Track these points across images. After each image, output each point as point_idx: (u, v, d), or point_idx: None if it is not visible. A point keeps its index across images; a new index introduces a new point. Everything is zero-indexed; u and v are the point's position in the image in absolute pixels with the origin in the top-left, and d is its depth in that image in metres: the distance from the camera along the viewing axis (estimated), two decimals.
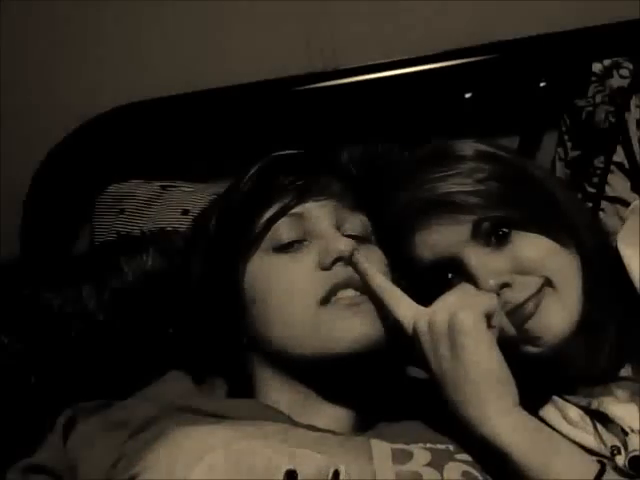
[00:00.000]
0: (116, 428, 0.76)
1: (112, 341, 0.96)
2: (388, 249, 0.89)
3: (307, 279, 0.82)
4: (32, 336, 0.96)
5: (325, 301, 0.81)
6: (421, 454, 0.73)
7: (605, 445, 0.83)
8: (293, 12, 1.27)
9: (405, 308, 0.80)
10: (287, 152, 0.93)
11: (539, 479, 0.73)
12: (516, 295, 0.82)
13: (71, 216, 1.27)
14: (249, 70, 1.26)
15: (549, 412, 0.88)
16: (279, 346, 0.82)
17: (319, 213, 0.86)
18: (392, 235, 0.89)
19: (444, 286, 0.84)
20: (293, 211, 0.85)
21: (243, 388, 0.86)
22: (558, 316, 0.83)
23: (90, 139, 1.25)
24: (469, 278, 0.84)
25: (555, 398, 0.89)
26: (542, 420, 0.86)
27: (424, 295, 0.82)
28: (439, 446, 0.76)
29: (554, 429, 0.84)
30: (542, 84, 1.22)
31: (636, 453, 0.81)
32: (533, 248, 0.84)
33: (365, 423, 0.84)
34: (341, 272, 0.82)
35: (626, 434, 0.83)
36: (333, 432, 0.78)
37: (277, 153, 0.92)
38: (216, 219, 0.90)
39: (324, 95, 1.26)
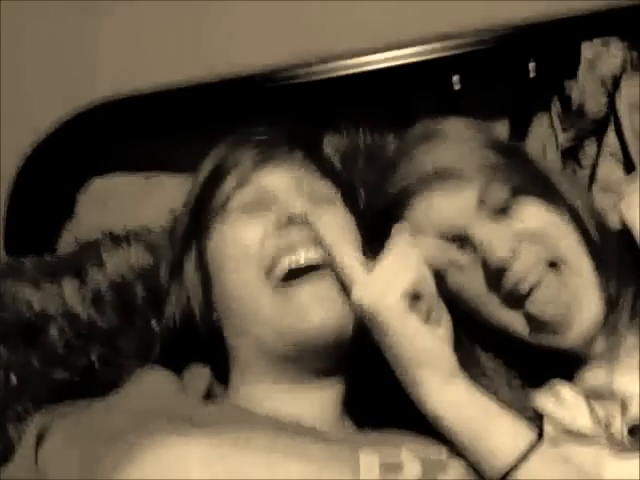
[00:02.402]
0: (88, 438, 0.73)
1: (94, 338, 0.94)
2: (382, 230, 0.86)
3: (258, 244, 0.80)
4: (13, 336, 0.93)
5: (271, 269, 0.79)
6: (411, 466, 0.72)
7: (599, 423, 0.81)
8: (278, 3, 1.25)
9: (356, 274, 0.77)
10: (255, 129, 0.91)
11: (472, 447, 0.74)
12: (523, 259, 0.81)
13: (55, 212, 1.25)
14: (235, 61, 1.24)
15: (543, 400, 0.87)
16: (241, 325, 0.81)
17: (279, 179, 0.84)
18: (387, 214, 0.87)
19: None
20: (253, 179, 0.84)
21: (226, 374, 0.84)
22: (586, 298, 0.82)
23: (73, 134, 1.23)
24: (477, 251, 0.83)
25: (552, 382, 0.87)
26: (538, 410, 0.86)
27: None
28: (431, 457, 0.74)
29: (549, 417, 0.84)
30: (531, 67, 1.21)
31: (636, 422, 0.79)
32: (537, 215, 0.84)
33: (353, 409, 0.82)
34: (292, 234, 0.79)
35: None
36: (321, 432, 0.76)
37: (246, 131, 0.91)
38: (186, 198, 0.89)
39: (310, 85, 1.24)
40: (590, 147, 1.17)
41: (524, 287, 0.82)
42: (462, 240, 0.84)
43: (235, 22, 1.26)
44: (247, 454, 0.68)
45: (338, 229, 0.82)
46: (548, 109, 1.22)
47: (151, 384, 0.83)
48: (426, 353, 0.76)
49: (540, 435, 0.76)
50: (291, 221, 0.79)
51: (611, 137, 1.15)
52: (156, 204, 1.14)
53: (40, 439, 0.76)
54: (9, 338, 0.94)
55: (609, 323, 0.84)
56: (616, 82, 1.16)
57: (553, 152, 1.20)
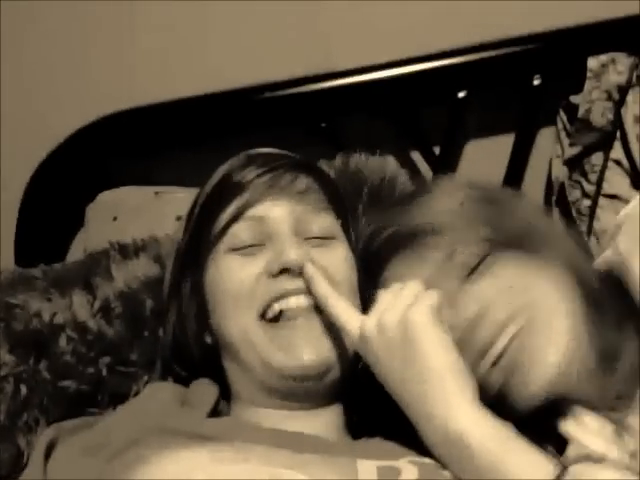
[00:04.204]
0: (94, 452, 0.73)
1: (103, 348, 0.94)
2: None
3: (251, 286, 0.80)
4: (22, 347, 0.94)
5: (263, 313, 0.79)
6: (408, 469, 0.70)
7: (627, 452, 0.79)
8: (285, 14, 1.26)
9: (349, 316, 0.77)
10: (259, 149, 0.91)
11: (490, 476, 0.70)
12: (492, 318, 0.79)
13: (65, 224, 1.26)
14: (241, 74, 1.25)
15: (570, 426, 0.85)
16: (236, 355, 0.82)
17: (277, 215, 0.83)
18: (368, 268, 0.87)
19: None
20: (251, 212, 0.83)
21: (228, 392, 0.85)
22: (542, 351, 0.78)
23: (83, 147, 1.25)
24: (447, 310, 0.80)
25: (575, 408, 0.86)
26: (564, 435, 0.83)
27: None
28: (426, 460, 0.73)
29: (577, 443, 0.81)
30: (537, 81, 1.21)
31: None
32: (507, 273, 0.81)
33: (356, 423, 0.82)
34: (285, 283, 0.80)
35: None
36: (322, 442, 0.76)
37: (249, 151, 0.91)
38: (185, 220, 0.89)
39: (318, 97, 1.25)
40: (597, 160, 1.18)
41: (494, 347, 0.79)
42: None
43: (239, 36, 1.27)
44: (248, 466, 0.68)
45: (333, 272, 0.82)
46: (554, 123, 1.22)
47: (157, 399, 0.83)
48: (455, 368, 0.73)
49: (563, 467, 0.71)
50: (284, 270, 0.79)
51: (617, 149, 1.15)
52: (165, 218, 1.15)
53: (49, 453, 0.76)
54: (18, 348, 0.94)
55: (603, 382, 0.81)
56: (622, 94, 1.16)
57: (559, 166, 1.21)
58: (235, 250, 0.83)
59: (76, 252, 1.22)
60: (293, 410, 0.81)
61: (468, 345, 0.79)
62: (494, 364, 0.79)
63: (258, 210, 0.83)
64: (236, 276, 0.81)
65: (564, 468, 0.70)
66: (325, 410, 0.82)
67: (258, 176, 0.85)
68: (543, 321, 0.79)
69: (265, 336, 0.79)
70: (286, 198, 0.84)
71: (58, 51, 1.28)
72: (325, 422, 0.81)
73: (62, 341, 0.93)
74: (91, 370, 0.93)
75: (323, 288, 0.79)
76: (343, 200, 0.91)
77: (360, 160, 1.10)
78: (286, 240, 0.81)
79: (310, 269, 0.79)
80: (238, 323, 0.81)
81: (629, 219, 0.86)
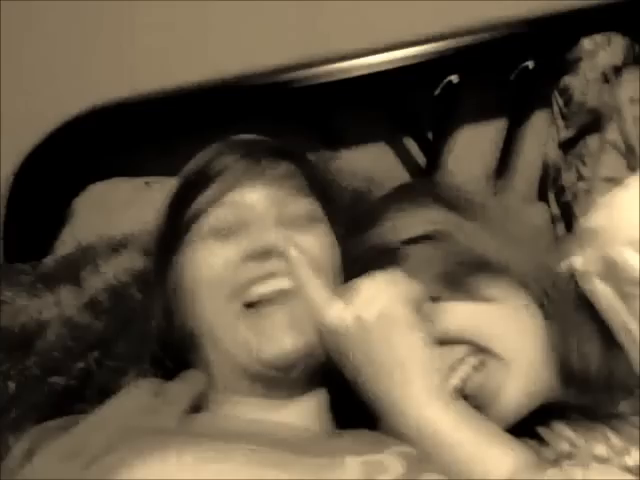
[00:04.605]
0: (70, 459, 0.71)
1: (91, 343, 0.93)
2: None
3: (230, 270, 0.78)
4: (10, 343, 0.93)
5: (242, 298, 0.78)
6: (394, 465, 0.69)
7: (614, 449, 0.79)
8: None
9: (326, 305, 0.76)
10: (239, 136, 0.90)
11: (465, 467, 0.70)
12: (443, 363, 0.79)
13: (54, 218, 1.24)
14: (235, 62, 1.23)
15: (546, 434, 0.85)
16: (215, 343, 0.80)
17: (256, 199, 0.82)
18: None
19: None
20: (229, 196, 0.82)
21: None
22: (506, 386, 0.79)
23: (70, 139, 1.22)
24: None
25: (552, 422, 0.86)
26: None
27: None
28: (413, 450, 0.71)
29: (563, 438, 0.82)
30: (530, 64, 1.20)
31: None
32: (456, 318, 0.80)
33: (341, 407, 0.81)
34: (265, 266, 0.78)
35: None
36: (305, 433, 0.76)
37: (229, 137, 0.90)
38: (165, 207, 0.88)
39: (308, 85, 1.23)
40: (592, 142, 1.16)
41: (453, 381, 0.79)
42: None
43: (234, 24, 1.25)
44: (231, 466, 0.66)
45: (314, 256, 0.80)
46: (547, 106, 1.21)
47: (133, 399, 0.81)
48: (431, 365, 0.74)
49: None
50: (264, 252, 0.78)
51: (613, 131, 1.14)
52: (155, 209, 1.13)
53: (30, 454, 0.75)
54: (6, 345, 0.93)
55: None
56: (617, 75, 1.15)
57: (554, 149, 1.19)
58: (213, 235, 0.81)
59: (65, 245, 1.20)
60: (275, 398, 0.79)
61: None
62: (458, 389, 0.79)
63: (236, 195, 0.82)
64: (213, 261, 0.80)
65: (532, 460, 0.71)
66: (309, 396, 0.80)
67: (236, 161, 0.83)
68: (501, 360, 0.80)
69: (244, 322, 0.78)
70: (265, 182, 0.83)
71: (44, 40, 1.26)
72: (308, 409, 0.80)
73: (50, 336, 0.92)
74: (80, 365, 0.92)
75: (304, 272, 0.78)
76: (325, 187, 0.90)
77: (343, 155, 1.09)
78: (266, 223, 0.80)
79: (292, 251, 0.78)
80: (216, 309, 0.79)
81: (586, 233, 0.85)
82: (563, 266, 0.86)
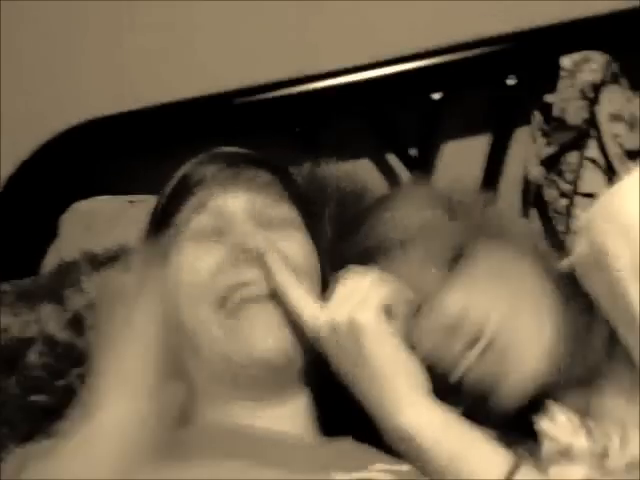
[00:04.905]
0: None
1: (74, 360, 0.93)
2: None
3: (210, 275, 0.79)
4: None
5: (223, 302, 0.79)
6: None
7: (596, 447, 0.80)
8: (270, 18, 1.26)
9: (307, 310, 0.77)
10: (221, 149, 0.91)
11: (448, 471, 0.71)
12: (450, 350, 0.79)
13: (39, 235, 1.25)
14: (221, 78, 1.24)
15: (544, 423, 0.85)
16: (192, 349, 0.80)
17: (237, 206, 0.83)
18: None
19: None
20: (211, 204, 0.84)
21: None
22: (521, 356, 0.80)
23: (55, 156, 1.23)
24: None
25: (547, 403, 0.86)
26: (538, 432, 0.84)
27: None
28: (403, 467, 0.72)
29: (549, 439, 0.82)
30: (511, 81, 1.21)
31: (635, 460, 0.77)
32: (457, 302, 0.80)
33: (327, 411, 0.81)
34: (245, 271, 0.79)
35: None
36: (291, 444, 0.75)
37: (217, 149, 0.91)
38: (148, 220, 0.90)
39: (293, 101, 1.24)
40: (572, 159, 1.17)
41: (456, 376, 0.80)
42: None
43: (221, 42, 1.27)
44: None
45: (294, 259, 0.82)
46: (529, 123, 1.21)
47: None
48: (402, 368, 0.75)
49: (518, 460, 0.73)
50: (244, 257, 0.79)
51: (593, 148, 1.15)
52: (139, 227, 1.14)
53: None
54: None
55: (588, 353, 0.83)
56: (596, 93, 1.16)
57: (536, 166, 1.20)
58: (195, 240, 0.82)
59: (51, 263, 1.20)
60: (259, 400, 0.79)
61: (448, 347, 0.80)
62: (472, 367, 0.79)
63: (218, 202, 0.84)
64: (194, 267, 0.81)
65: (519, 462, 0.71)
66: (293, 399, 0.81)
67: (219, 170, 0.86)
68: (508, 339, 0.80)
69: (225, 327, 0.78)
70: (246, 190, 0.85)
71: (28, 57, 1.27)
72: (293, 413, 0.80)
73: (31, 355, 0.93)
74: (62, 382, 0.92)
75: (284, 277, 0.78)
76: (305, 200, 0.91)
77: (328, 167, 1.09)
78: (246, 229, 0.81)
79: (271, 256, 0.79)
80: (197, 315, 0.80)
81: (589, 222, 0.85)
82: (563, 263, 0.87)
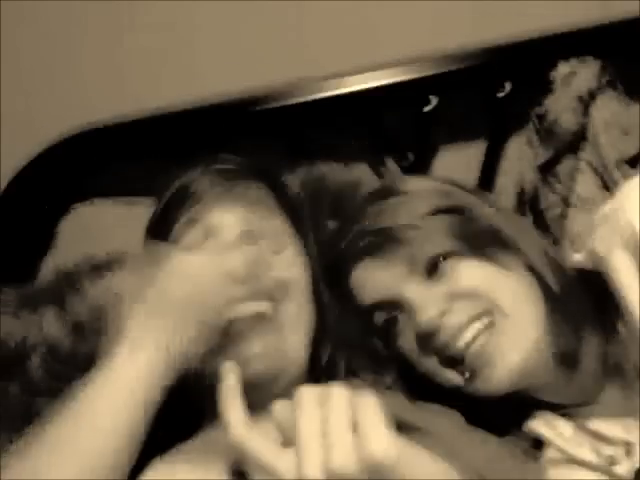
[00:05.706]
0: None
1: (76, 365, 0.93)
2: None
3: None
4: None
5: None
6: None
7: (601, 456, 0.81)
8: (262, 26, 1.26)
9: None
10: (222, 155, 0.93)
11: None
12: (455, 319, 0.82)
13: (37, 240, 1.24)
14: (216, 84, 1.24)
15: (539, 426, 0.86)
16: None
17: (229, 221, 0.85)
18: (335, 270, 0.90)
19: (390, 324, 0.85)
20: (204, 219, 0.85)
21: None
22: (507, 350, 0.82)
23: (54, 162, 1.23)
24: (409, 312, 0.84)
25: (542, 413, 0.87)
26: (532, 434, 0.85)
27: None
28: None
29: (555, 446, 0.84)
30: (507, 87, 1.22)
31: None
32: (470, 273, 0.84)
33: None
34: (237, 289, 0.77)
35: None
36: None
37: (214, 158, 0.93)
38: (145, 232, 0.92)
39: (289, 108, 1.25)
40: (568, 164, 1.18)
41: (457, 346, 0.82)
42: (398, 305, 0.86)
43: (216, 48, 1.27)
44: None
45: (284, 274, 0.84)
46: (525, 128, 1.23)
47: None
48: None
49: None
50: (237, 275, 0.78)
51: (588, 153, 1.16)
52: (140, 231, 1.14)
53: None
54: None
55: (579, 372, 0.85)
56: (592, 98, 1.17)
57: (532, 171, 1.21)
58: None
59: (50, 267, 1.20)
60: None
61: (431, 345, 0.82)
62: (463, 352, 0.82)
63: (210, 216, 0.85)
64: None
65: None
66: None
67: (213, 185, 0.87)
68: (512, 316, 0.83)
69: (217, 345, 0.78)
70: (238, 206, 0.86)
71: (26, 63, 1.27)
72: None
73: (34, 361, 0.93)
74: (64, 388, 0.92)
75: (230, 403, 0.67)
76: (298, 208, 0.94)
77: (324, 170, 1.10)
78: (238, 244, 0.82)
79: (227, 380, 0.68)
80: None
81: (604, 218, 0.87)
82: (570, 260, 0.87)
